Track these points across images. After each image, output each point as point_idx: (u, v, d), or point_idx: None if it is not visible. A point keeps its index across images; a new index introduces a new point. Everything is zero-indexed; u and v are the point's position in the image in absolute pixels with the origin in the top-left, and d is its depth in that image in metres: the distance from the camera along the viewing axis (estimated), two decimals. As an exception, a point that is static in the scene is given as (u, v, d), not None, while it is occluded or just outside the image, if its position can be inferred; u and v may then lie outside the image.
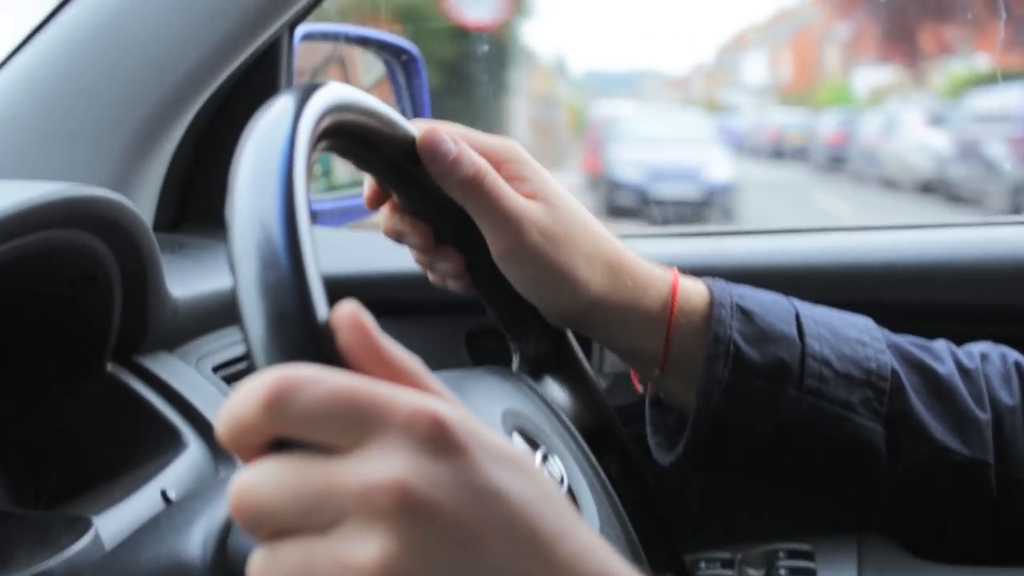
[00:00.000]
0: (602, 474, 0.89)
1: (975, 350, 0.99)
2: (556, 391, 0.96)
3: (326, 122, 0.70)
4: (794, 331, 0.92)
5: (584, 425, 0.94)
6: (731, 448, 0.92)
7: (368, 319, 0.53)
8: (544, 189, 0.89)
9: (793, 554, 1.20)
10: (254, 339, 0.53)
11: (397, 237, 0.91)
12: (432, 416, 0.49)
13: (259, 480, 0.50)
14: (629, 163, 13.46)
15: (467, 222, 0.89)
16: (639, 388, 0.99)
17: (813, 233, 1.48)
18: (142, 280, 1.01)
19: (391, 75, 1.58)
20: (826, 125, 19.80)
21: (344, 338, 0.52)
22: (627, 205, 12.86)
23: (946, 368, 0.95)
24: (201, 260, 1.22)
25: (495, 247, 0.88)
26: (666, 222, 12.32)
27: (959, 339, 1.02)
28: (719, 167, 13.50)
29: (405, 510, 0.47)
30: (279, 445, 0.50)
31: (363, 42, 1.58)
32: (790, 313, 0.94)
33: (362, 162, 0.85)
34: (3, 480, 1.00)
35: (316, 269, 0.55)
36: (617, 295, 0.91)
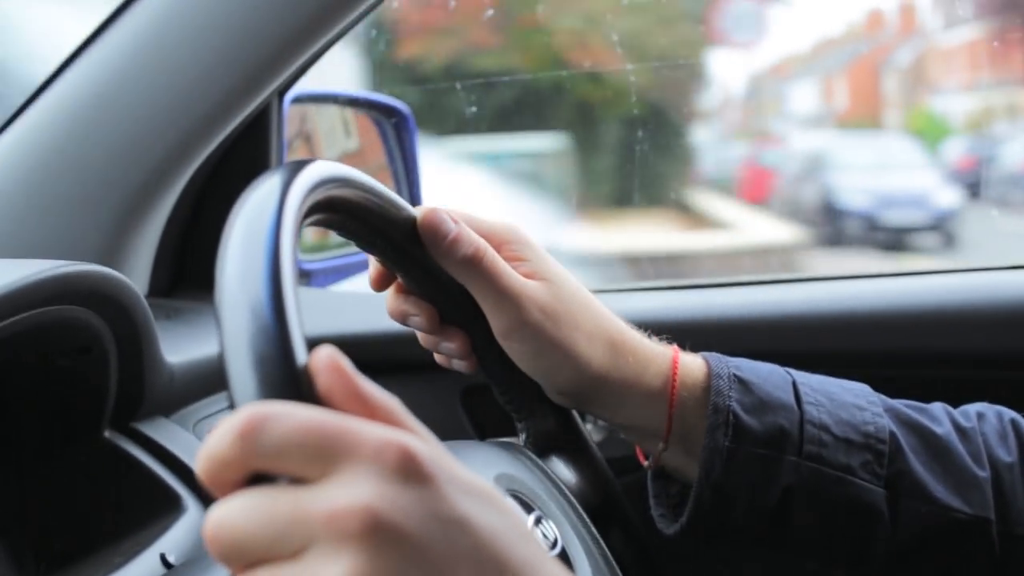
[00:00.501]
0: (601, 543, 0.90)
1: (971, 410, 1.01)
2: (561, 469, 0.97)
3: (320, 194, 0.72)
4: (792, 399, 0.94)
5: (589, 501, 0.95)
6: (734, 516, 0.93)
7: (346, 361, 0.54)
8: (544, 269, 0.92)
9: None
10: (234, 382, 0.55)
11: (402, 319, 0.93)
12: (400, 446, 0.51)
13: (232, 512, 0.51)
14: (855, 190, 12.84)
15: (470, 303, 0.91)
16: (643, 462, 1.00)
17: (797, 283, 1.49)
18: (137, 349, 1.03)
19: (383, 135, 1.60)
20: (951, 151, 18.68)
21: (322, 380, 0.54)
22: (849, 233, 12.36)
23: (943, 429, 0.96)
24: (196, 325, 1.24)
25: (496, 325, 0.90)
26: (889, 249, 11.92)
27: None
28: (945, 193, 12.85)
29: (372, 533, 0.49)
30: (254, 481, 0.52)
31: (353, 103, 1.60)
32: (787, 381, 0.95)
33: (365, 243, 0.87)
34: (3, 547, 1.00)
35: (297, 319, 0.57)
36: (619, 372, 0.93)
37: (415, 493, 0.50)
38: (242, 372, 0.55)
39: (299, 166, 0.70)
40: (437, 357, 0.97)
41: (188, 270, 1.34)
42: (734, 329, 1.37)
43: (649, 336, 0.96)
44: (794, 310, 1.38)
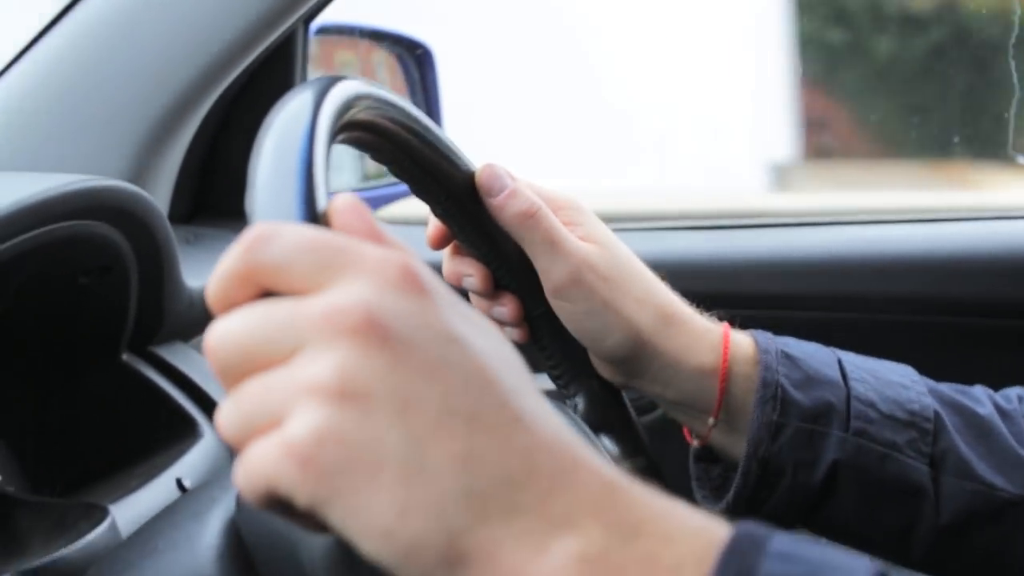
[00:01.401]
0: None
1: (1012, 393, 1.01)
2: (608, 446, 0.97)
3: (384, 129, 0.74)
4: (838, 375, 0.94)
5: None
6: (779, 494, 0.93)
7: (365, 206, 0.54)
8: (599, 234, 0.92)
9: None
10: (254, 220, 0.55)
11: (457, 280, 0.93)
12: (402, 262, 0.50)
13: (230, 323, 0.50)
14: None
15: (526, 267, 0.90)
16: (691, 441, 0.99)
17: (818, 226, 1.48)
18: (159, 270, 1.02)
19: (405, 70, 1.59)
20: None
21: (339, 218, 0.54)
22: None
23: (986, 410, 0.96)
24: (216, 251, 1.21)
25: (548, 282, 0.90)
26: None
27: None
28: None
29: (364, 331, 0.48)
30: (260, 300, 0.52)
31: (377, 36, 1.59)
32: (833, 359, 0.95)
33: (424, 193, 0.87)
34: (20, 468, 1.00)
35: (324, 176, 0.57)
36: (669, 342, 0.92)
37: (411, 302, 0.50)
38: (263, 210, 0.55)
39: (337, 79, 0.69)
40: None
41: (209, 197, 1.33)
42: (752, 269, 1.37)
43: (700, 312, 0.95)
44: (822, 252, 1.37)
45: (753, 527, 0.52)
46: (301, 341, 0.49)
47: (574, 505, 0.50)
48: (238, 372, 0.50)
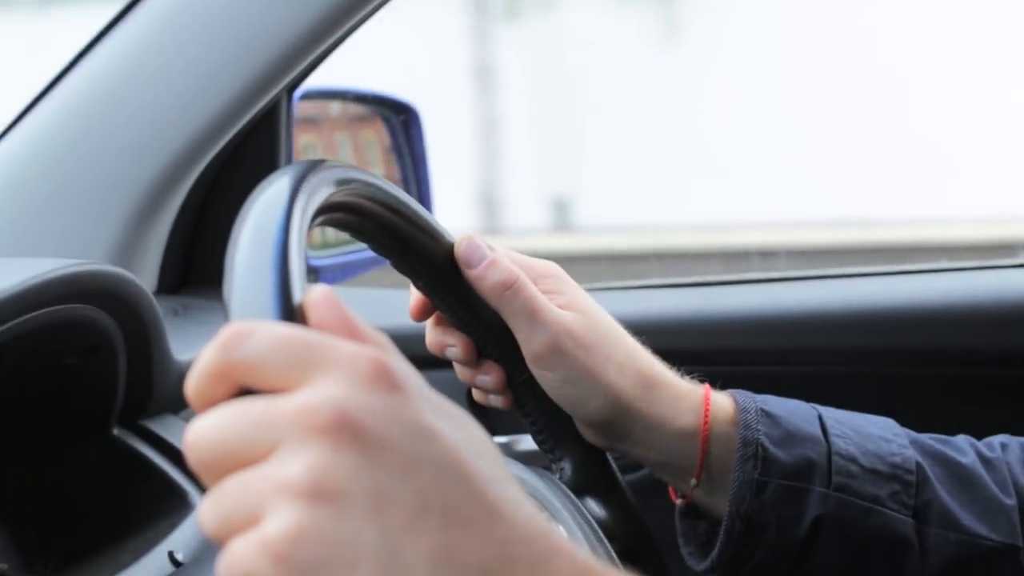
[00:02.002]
0: (614, 555, 0.90)
1: (995, 441, 1.02)
2: (594, 509, 0.98)
3: (360, 206, 0.75)
4: (819, 431, 0.95)
5: (620, 542, 0.96)
6: (763, 549, 0.94)
7: (340, 299, 0.55)
8: (579, 302, 0.93)
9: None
10: (232, 317, 0.56)
11: (440, 350, 0.95)
12: (375, 358, 0.52)
13: (209, 422, 0.52)
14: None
15: (508, 336, 0.92)
16: (675, 500, 1.00)
17: (803, 281, 1.49)
18: (146, 348, 1.03)
19: (391, 133, 1.60)
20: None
21: (315, 312, 0.55)
22: None
23: (968, 459, 0.97)
24: (204, 322, 1.24)
25: (528, 350, 0.91)
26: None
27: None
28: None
29: (338, 429, 0.49)
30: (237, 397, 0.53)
31: (362, 100, 1.60)
32: (813, 415, 0.96)
33: (404, 265, 0.89)
34: (11, 545, 1.01)
35: (300, 270, 0.59)
36: (651, 406, 0.93)
37: (384, 399, 0.51)
38: (240, 307, 0.57)
39: (315, 165, 0.71)
40: (474, 392, 0.98)
41: (197, 267, 1.34)
42: (737, 328, 1.37)
43: (681, 374, 0.97)
44: (801, 308, 1.38)
45: None
46: (276, 439, 0.50)
47: None
48: (217, 470, 0.51)
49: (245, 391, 0.52)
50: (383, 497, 0.49)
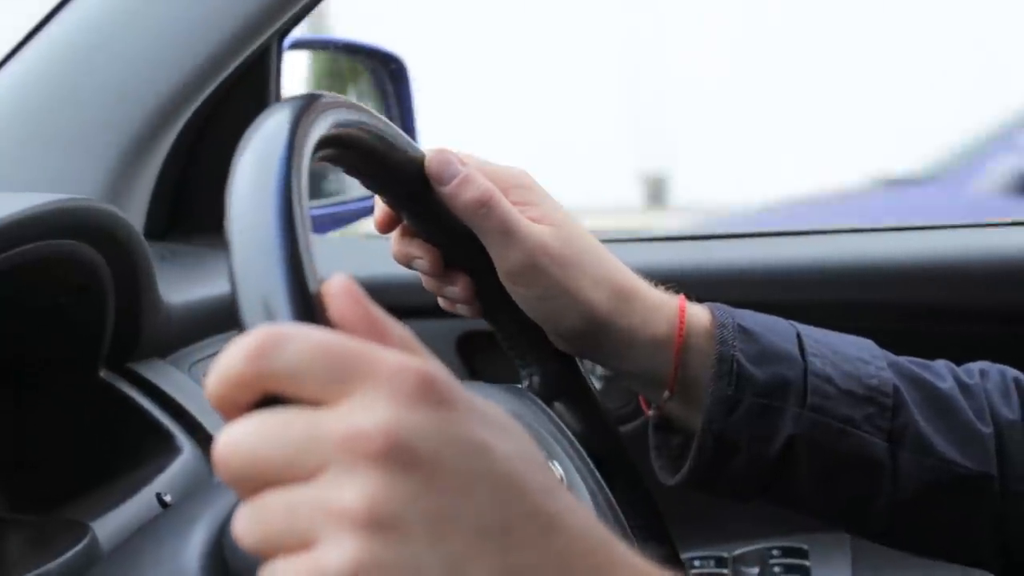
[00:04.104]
0: (605, 489, 0.90)
1: (974, 368, 1.01)
2: (565, 415, 0.97)
3: (331, 128, 0.71)
4: (796, 350, 0.94)
5: (592, 448, 0.95)
6: (735, 466, 0.93)
7: (359, 289, 0.54)
8: (552, 214, 0.92)
9: (787, 552, 1.21)
10: (244, 307, 0.54)
11: (406, 261, 0.93)
12: (419, 371, 0.50)
13: (243, 433, 0.50)
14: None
15: (476, 246, 0.90)
16: (647, 412, 1.00)
17: (800, 236, 1.49)
18: (135, 288, 1.02)
19: (379, 84, 1.59)
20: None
21: (335, 306, 0.53)
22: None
23: (947, 385, 0.97)
24: (192, 268, 1.23)
25: (502, 267, 0.90)
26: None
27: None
28: None
29: (390, 456, 0.48)
30: (265, 404, 0.50)
31: (351, 50, 1.59)
32: (791, 333, 0.95)
33: (372, 182, 0.87)
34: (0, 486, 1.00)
35: (309, 248, 0.56)
36: (624, 318, 0.92)
37: (433, 417, 0.49)
38: (253, 297, 0.54)
39: (311, 99, 0.69)
40: (441, 301, 0.96)
41: (183, 213, 1.33)
42: (733, 282, 1.38)
43: (656, 286, 0.95)
44: (796, 263, 1.38)
45: None
46: (323, 461, 0.49)
47: None
48: (254, 483, 0.50)
49: (274, 397, 0.50)
50: (442, 522, 0.48)
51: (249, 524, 0.50)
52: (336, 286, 0.53)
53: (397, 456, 0.48)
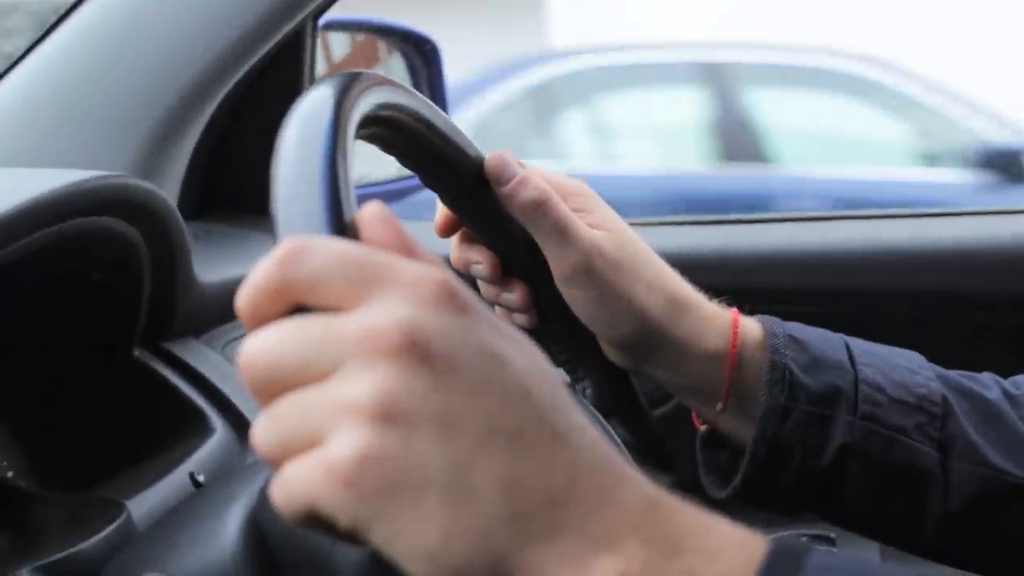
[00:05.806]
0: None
1: (1020, 379, 1.01)
2: (617, 430, 0.97)
3: (383, 112, 0.72)
4: (846, 359, 0.94)
5: (642, 464, 0.95)
6: (785, 479, 0.93)
7: (394, 216, 0.54)
8: (608, 221, 0.92)
9: (814, 539, 1.21)
10: (281, 227, 0.54)
11: (465, 267, 0.93)
12: (440, 279, 0.50)
13: (265, 340, 0.50)
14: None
15: (535, 254, 0.90)
16: (699, 427, 0.99)
17: (825, 221, 1.48)
18: (171, 266, 1.02)
19: (410, 66, 1.59)
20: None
21: (367, 225, 0.53)
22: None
23: (994, 395, 0.97)
24: (227, 247, 1.23)
25: (558, 269, 0.90)
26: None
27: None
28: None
29: (403, 350, 0.48)
30: (293, 315, 0.51)
31: (384, 32, 1.59)
32: (840, 343, 0.96)
33: (432, 181, 0.87)
34: (33, 464, 1.00)
35: (349, 184, 0.57)
36: (678, 328, 0.92)
37: (452, 321, 0.50)
38: (289, 214, 0.54)
39: (370, 76, 0.69)
40: (497, 310, 0.96)
41: (218, 193, 1.33)
42: (760, 265, 1.37)
43: (709, 298, 0.96)
44: (822, 247, 1.37)
45: (792, 542, 0.52)
46: (339, 360, 0.49)
47: (616, 523, 0.50)
48: (273, 389, 0.50)
49: (300, 309, 0.51)
50: (451, 421, 0.48)
51: (264, 430, 0.50)
52: (371, 210, 0.54)
53: (412, 351, 0.48)
